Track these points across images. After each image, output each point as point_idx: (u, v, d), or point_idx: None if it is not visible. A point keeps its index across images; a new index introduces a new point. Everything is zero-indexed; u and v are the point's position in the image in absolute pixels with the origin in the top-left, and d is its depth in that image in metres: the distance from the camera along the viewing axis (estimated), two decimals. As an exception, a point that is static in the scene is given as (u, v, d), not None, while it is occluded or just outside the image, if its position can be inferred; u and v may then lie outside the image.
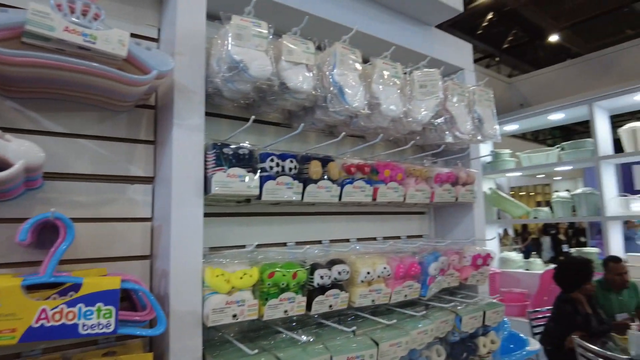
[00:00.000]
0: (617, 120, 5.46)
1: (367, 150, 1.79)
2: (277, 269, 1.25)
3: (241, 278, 1.19)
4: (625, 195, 4.86)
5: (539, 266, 5.55)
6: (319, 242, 1.68)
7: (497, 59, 9.71)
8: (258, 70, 1.16)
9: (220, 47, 1.21)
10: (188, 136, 1.19)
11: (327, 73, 1.36)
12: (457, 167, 1.79)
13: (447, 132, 1.64)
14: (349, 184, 1.43)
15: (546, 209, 5.82)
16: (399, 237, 1.91)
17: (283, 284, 1.26)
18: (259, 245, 1.52)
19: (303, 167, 1.36)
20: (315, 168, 1.35)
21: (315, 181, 1.37)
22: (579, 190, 5.29)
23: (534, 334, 3.93)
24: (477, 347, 1.63)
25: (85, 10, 0.99)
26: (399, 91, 1.47)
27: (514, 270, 5.48)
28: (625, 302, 3.95)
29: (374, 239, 1.83)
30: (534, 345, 1.96)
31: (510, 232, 9.04)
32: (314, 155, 1.38)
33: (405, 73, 1.59)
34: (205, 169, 1.22)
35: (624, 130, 4.85)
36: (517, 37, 9.43)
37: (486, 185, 5.89)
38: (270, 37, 1.24)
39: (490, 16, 8.44)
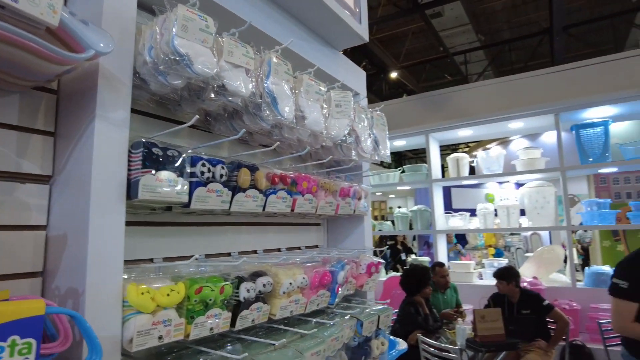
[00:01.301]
0: (442, 151, 6.62)
1: (274, 161, 1.82)
2: (204, 284, 1.16)
3: (168, 295, 1.07)
4: (450, 213, 5.94)
5: (382, 274, 6.28)
6: (228, 254, 1.61)
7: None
8: (203, 67, 1.09)
9: (157, 35, 1.09)
10: (113, 131, 1.03)
11: (261, 81, 1.35)
12: (354, 182, 1.96)
13: (352, 150, 1.78)
14: (272, 194, 1.43)
15: (388, 222, 6.67)
16: (299, 248, 1.97)
17: (210, 300, 1.18)
18: (166, 259, 1.39)
19: (232, 175, 1.31)
20: (245, 176, 1.32)
21: (244, 190, 1.33)
22: (415, 208, 6.22)
23: (383, 335, 4.40)
24: (372, 350, 1.79)
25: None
26: (320, 107, 1.55)
27: (362, 279, 6.06)
28: (448, 300, 4.79)
29: (279, 249, 1.85)
30: (403, 344, 2.23)
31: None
32: (243, 163, 1.35)
33: (327, 91, 1.68)
34: (129, 170, 1.07)
35: (450, 158, 5.95)
36: (366, 69, 10.67)
37: (341, 200, 6.40)
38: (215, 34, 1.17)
39: (345, 46, 9.34)
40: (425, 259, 6.19)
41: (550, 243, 7.90)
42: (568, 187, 5.07)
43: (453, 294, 4.87)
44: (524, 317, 3.97)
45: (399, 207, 10.34)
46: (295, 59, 1.71)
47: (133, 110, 1.31)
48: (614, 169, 5.47)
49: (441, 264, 4.85)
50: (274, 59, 1.39)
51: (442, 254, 5.75)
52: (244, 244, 1.69)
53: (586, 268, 5.31)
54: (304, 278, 1.45)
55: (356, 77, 2.19)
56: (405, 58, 10.80)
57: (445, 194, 7.93)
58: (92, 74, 1.02)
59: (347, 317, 1.68)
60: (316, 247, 2.11)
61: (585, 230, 8.05)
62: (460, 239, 8.17)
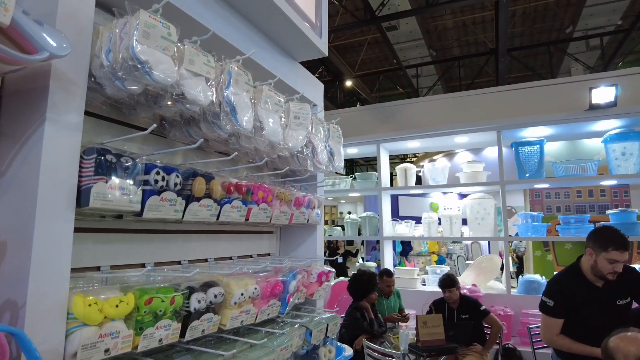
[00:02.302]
0: (392, 159, 6.85)
1: (230, 169, 1.81)
2: (155, 295, 1.14)
3: (117, 306, 1.04)
4: (396, 220, 6.15)
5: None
6: (178, 262, 1.58)
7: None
8: (162, 76, 1.08)
9: (116, 39, 1.06)
10: (64, 136, 0.99)
11: (221, 90, 1.35)
12: (308, 192, 1.99)
13: (308, 161, 1.82)
14: (227, 204, 1.43)
15: (339, 228, 6.78)
16: (251, 256, 1.97)
17: (160, 311, 1.16)
18: (114, 267, 1.34)
19: (186, 183, 1.29)
20: (199, 185, 1.31)
21: (198, 199, 1.32)
22: (364, 214, 6.37)
23: (330, 341, 4.46)
24: (320, 358, 1.83)
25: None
26: (279, 118, 1.57)
27: (310, 284, 6.10)
28: (391, 305, 4.95)
29: (230, 258, 1.84)
30: (349, 351, 2.29)
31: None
32: (198, 171, 1.34)
33: (285, 103, 1.70)
34: (80, 177, 1.03)
35: (399, 168, 6.16)
36: (322, 76, 10.79)
37: (292, 205, 6.43)
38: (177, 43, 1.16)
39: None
40: (372, 264, 6.35)
41: (489, 252, 8.38)
42: (507, 199, 5.42)
43: (396, 299, 5.03)
44: (463, 321, 4.18)
45: (349, 213, 10.53)
46: (256, 68, 1.72)
47: (84, 112, 1.27)
48: (546, 185, 5.92)
49: (389, 274, 4.98)
50: (235, 69, 1.39)
51: (388, 260, 5.93)
52: (194, 252, 1.67)
53: (520, 276, 5.69)
54: (255, 288, 1.46)
55: (314, 88, 2.23)
56: (360, 67, 11.06)
57: (393, 202, 8.19)
58: (44, 75, 0.97)
59: (296, 326, 1.71)
60: (268, 255, 2.12)
61: (520, 241, 8.64)
62: (406, 244, 8.46)
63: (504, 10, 7.14)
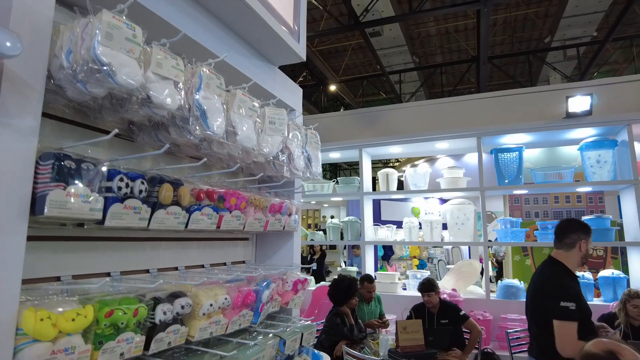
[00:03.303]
0: (374, 164, 6.86)
1: (202, 175, 1.76)
2: (116, 307, 1.09)
3: (73, 320, 0.98)
4: (378, 224, 6.14)
5: (311, 283, 6.30)
6: (147, 271, 1.52)
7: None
8: (126, 79, 1.03)
9: (78, 40, 1.01)
10: (17, 140, 0.93)
11: (191, 94, 1.31)
12: (284, 198, 1.95)
13: (284, 167, 1.78)
14: (197, 211, 1.38)
15: (320, 232, 6.75)
16: (224, 264, 1.92)
17: (122, 323, 1.10)
18: (76, 276, 1.28)
19: (153, 190, 1.24)
20: (167, 192, 1.25)
21: (165, 206, 1.27)
22: (346, 219, 6.35)
23: (310, 347, 4.42)
24: (293, 368, 1.79)
25: None
26: (253, 123, 1.53)
27: (292, 289, 6.04)
28: (372, 311, 4.92)
29: (202, 266, 1.78)
30: (327, 359, 2.25)
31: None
32: (165, 178, 1.28)
33: (261, 108, 1.66)
34: (36, 184, 0.97)
35: (381, 173, 6.17)
36: (306, 80, 10.77)
37: (274, 209, 6.38)
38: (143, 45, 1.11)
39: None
40: (353, 269, 6.33)
41: (470, 257, 8.46)
42: (487, 204, 5.47)
43: (377, 305, 5.01)
44: (443, 326, 4.19)
45: (332, 217, 10.50)
46: (231, 72, 1.68)
47: (46, 115, 1.21)
48: (525, 191, 6.00)
49: (370, 279, 4.95)
50: (206, 72, 1.35)
51: (369, 264, 5.92)
52: (163, 260, 1.61)
53: (499, 281, 5.74)
54: (226, 298, 1.41)
55: (292, 93, 2.20)
56: (344, 72, 11.08)
57: (375, 206, 8.20)
58: (-7, 76, 0.91)
59: (270, 336, 1.66)
60: (243, 262, 2.07)
61: (500, 246, 8.75)
62: (387, 249, 8.48)
63: (485, 18, 7.24)
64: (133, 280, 1.41)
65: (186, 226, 1.35)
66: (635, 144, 4.83)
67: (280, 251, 2.11)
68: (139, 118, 1.30)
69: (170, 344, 1.25)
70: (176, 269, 1.65)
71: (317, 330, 4.72)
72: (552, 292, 2.39)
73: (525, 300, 2.73)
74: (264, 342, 1.59)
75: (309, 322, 1.94)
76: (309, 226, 12.89)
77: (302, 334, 1.80)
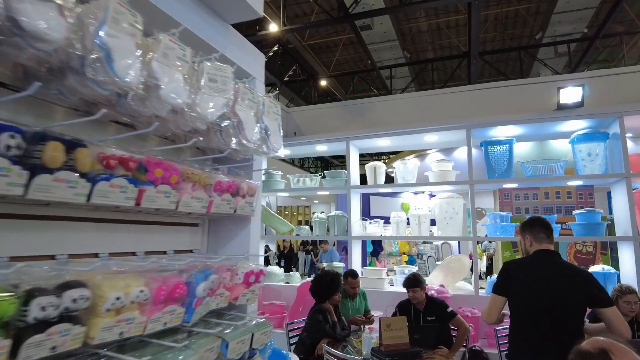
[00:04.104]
0: (367, 160, 6.57)
1: (136, 143, 1.44)
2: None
3: None
4: (365, 219, 5.84)
5: (297, 279, 5.98)
6: (52, 257, 1.21)
7: (278, 89, 10.50)
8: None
9: None
10: None
11: (92, 30, 1.00)
12: (238, 177, 1.64)
13: (233, 138, 1.47)
14: (104, 181, 1.07)
15: (307, 227, 6.43)
16: (164, 252, 1.61)
17: (-31, 323, 0.79)
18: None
19: (34, 149, 0.93)
20: (52, 152, 0.94)
21: (51, 170, 0.96)
22: (332, 213, 6.05)
23: (291, 345, 4.14)
24: (242, 374, 1.48)
25: None
26: (184, 78, 1.22)
27: (276, 284, 5.74)
28: (357, 307, 4.63)
29: (133, 254, 1.47)
30: (295, 359, 1.95)
31: (272, 247, 9.64)
32: (56, 135, 0.97)
33: (194, 62, 1.35)
34: None
35: (368, 166, 5.86)
36: (296, 74, 10.45)
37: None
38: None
39: (275, 48, 9.06)
40: (340, 265, 6.03)
41: (460, 252, 8.20)
42: (477, 200, 5.20)
43: (362, 301, 4.73)
44: (429, 323, 3.93)
45: (322, 212, 10.20)
46: (159, 16, 1.36)
47: None
48: (515, 185, 5.73)
49: (354, 274, 4.67)
50: (115, 5, 1.04)
51: (357, 260, 5.62)
52: (78, 244, 1.29)
53: (488, 277, 5.47)
54: (141, 291, 1.10)
55: (253, 58, 1.88)
56: (335, 68, 10.78)
57: (365, 202, 7.90)
58: None
59: (209, 338, 1.35)
60: (191, 251, 1.75)
61: (491, 242, 8.49)
62: (376, 244, 8.19)
63: (476, 11, 6.96)
64: (30, 267, 1.09)
65: (88, 199, 1.04)
66: (627, 137, 4.58)
67: (235, 239, 1.79)
68: (23, 60, 0.99)
69: (56, 348, 0.94)
70: (96, 255, 1.34)
71: (299, 328, 4.43)
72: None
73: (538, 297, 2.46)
74: (199, 345, 1.28)
75: (263, 320, 1.63)
76: (299, 222, 12.56)
77: (253, 335, 1.49)
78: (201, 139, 1.52)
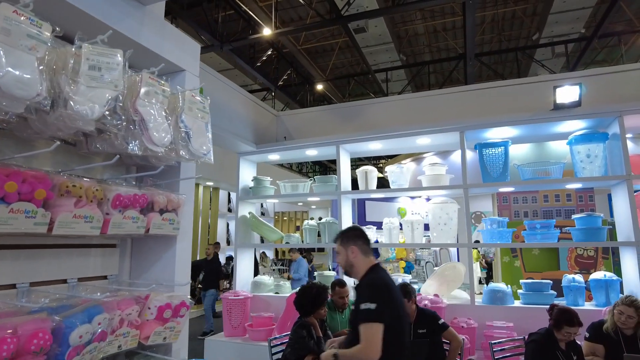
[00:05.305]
0: (358, 163, 6.24)
1: (9, 148, 1.13)
2: None
3: None
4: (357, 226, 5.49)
5: (287, 289, 5.65)
6: None
7: (273, 93, 10.22)
8: None
9: None
10: None
11: None
12: (152, 189, 1.31)
13: (133, 140, 1.15)
14: None
15: (297, 234, 6.10)
16: (64, 281, 1.29)
17: None
18: None
19: None
20: None
21: None
22: (323, 220, 5.71)
23: (274, 361, 3.81)
24: None
25: None
26: (36, 60, 0.90)
27: (265, 294, 5.41)
28: (346, 320, 4.28)
29: (13, 286, 1.15)
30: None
31: (270, 254, 9.32)
32: None
33: (77, 46, 1.03)
34: None
35: (359, 171, 5.52)
36: (291, 78, 10.16)
37: (248, 210, 5.81)
38: None
39: (270, 52, 8.78)
40: (331, 274, 5.68)
41: (458, 258, 7.81)
42: (475, 205, 4.86)
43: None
44: (421, 336, 3.60)
45: (320, 219, 9.86)
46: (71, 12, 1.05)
47: None
48: (511, 189, 5.37)
49: (342, 283, 4.33)
50: None
51: (347, 269, 5.28)
52: None
53: (484, 286, 5.11)
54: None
55: (179, 45, 1.54)
56: (332, 72, 10.48)
57: (360, 207, 7.56)
58: None
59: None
60: (105, 278, 1.43)
61: (487, 247, 8.09)
62: (373, 251, 7.84)
63: (471, 11, 6.62)
64: None
65: None
66: (627, 137, 4.22)
67: (158, 262, 1.46)
68: None
69: None
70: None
71: (283, 343, 4.10)
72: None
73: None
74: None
75: (184, 363, 1.30)
76: (297, 228, 12.20)
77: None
78: (104, 143, 1.20)
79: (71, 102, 0.96)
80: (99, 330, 1.04)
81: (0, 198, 0.89)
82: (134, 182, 1.32)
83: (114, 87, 1.04)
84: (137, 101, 1.14)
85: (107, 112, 1.02)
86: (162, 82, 1.24)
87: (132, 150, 1.13)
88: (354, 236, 2.26)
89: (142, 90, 1.16)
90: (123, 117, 1.08)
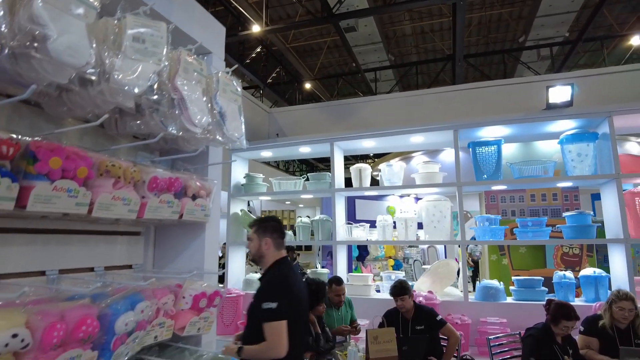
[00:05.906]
0: (347, 162, 6.24)
1: (38, 127, 1.06)
2: None
3: None
4: (350, 224, 5.49)
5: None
6: None
7: (262, 91, 10.12)
8: None
9: None
10: None
11: None
12: (186, 173, 1.26)
13: (171, 120, 1.10)
14: (-49, 172, 0.70)
15: (290, 232, 6.04)
16: (91, 269, 1.22)
17: None
18: None
19: None
20: None
21: None
22: (316, 217, 5.68)
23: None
24: None
25: None
26: (86, 30, 0.85)
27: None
28: (342, 317, 4.26)
29: (43, 273, 1.08)
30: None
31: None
32: None
33: (118, 19, 0.98)
34: None
35: (353, 169, 5.52)
36: (280, 76, 10.09)
37: (240, 207, 5.72)
38: None
39: (259, 50, 8.70)
40: (324, 271, 5.66)
41: (446, 256, 7.90)
42: (464, 203, 4.91)
43: (348, 310, 4.36)
44: (418, 333, 3.62)
45: (307, 217, 9.82)
46: None
47: None
48: (503, 187, 5.46)
49: (339, 281, 4.30)
50: None
51: (342, 266, 5.26)
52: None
53: (477, 281, 5.18)
54: (14, 335, 0.73)
55: (206, 28, 1.50)
56: (320, 71, 10.47)
57: (350, 205, 7.56)
58: None
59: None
60: (130, 267, 1.37)
61: (476, 245, 8.22)
62: (362, 249, 7.84)
63: (461, 12, 6.72)
64: None
65: None
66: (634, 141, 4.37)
67: (186, 252, 1.41)
68: None
69: None
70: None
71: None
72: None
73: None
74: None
75: (219, 355, 1.25)
76: (284, 227, 12.06)
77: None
78: (139, 122, 1.14)
79: (114, 75, 0.90)
80: (142, 318, 0.99)
81: (44, 174, 0.83)
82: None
83: (158, 61, 0.99)
84: (177, 78, 1.09)
85: (148, 88, 0.97)
86: (200, 60, 1.19)
87: (171, 130, 1.08)
88: (271, 228, 2.20)
89: (181, 67, 1.11)
90: (165, 94, 1.03)
